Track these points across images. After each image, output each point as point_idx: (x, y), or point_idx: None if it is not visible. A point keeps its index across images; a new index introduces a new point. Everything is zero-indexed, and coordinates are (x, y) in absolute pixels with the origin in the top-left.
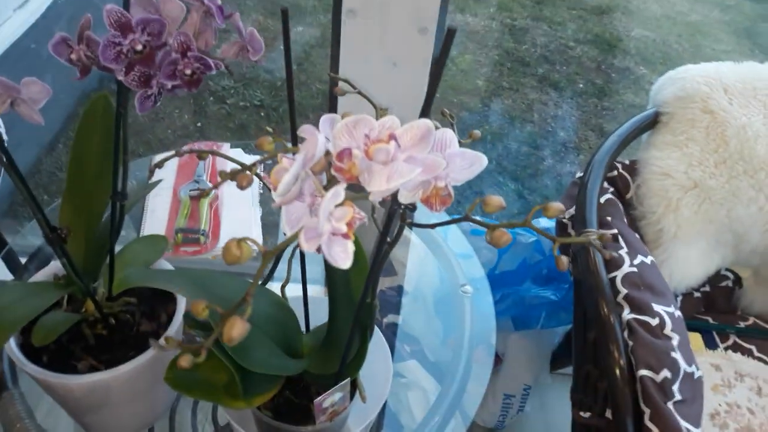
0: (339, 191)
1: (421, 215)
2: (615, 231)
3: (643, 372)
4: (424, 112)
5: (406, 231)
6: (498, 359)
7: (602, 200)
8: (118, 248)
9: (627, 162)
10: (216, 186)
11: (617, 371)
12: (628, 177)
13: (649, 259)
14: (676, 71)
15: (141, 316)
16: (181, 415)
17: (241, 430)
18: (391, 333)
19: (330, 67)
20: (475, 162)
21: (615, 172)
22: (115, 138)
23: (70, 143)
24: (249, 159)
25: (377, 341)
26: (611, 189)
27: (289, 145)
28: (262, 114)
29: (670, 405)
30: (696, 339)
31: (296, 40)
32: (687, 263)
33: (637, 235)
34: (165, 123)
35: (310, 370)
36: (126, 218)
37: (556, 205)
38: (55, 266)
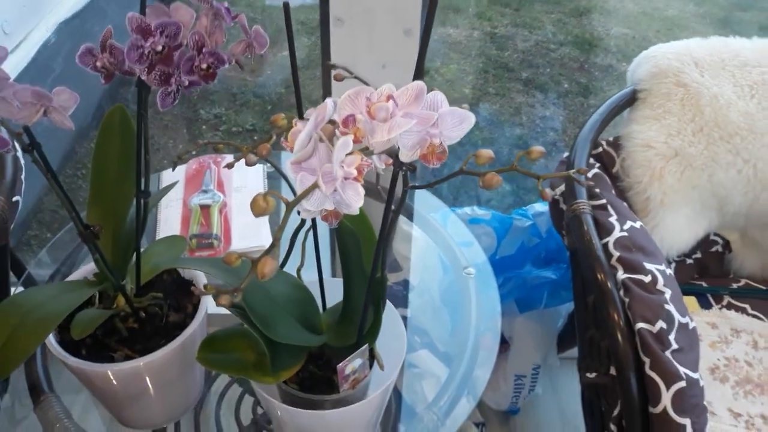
0: (348, 141)
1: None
2: (603, 200)
3: (640, 325)
4: (417, 75)
5: (407, 225)
6: (506, 343)
7: (590, 175)
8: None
9: (611, 139)
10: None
11: (617, 330)
12: (613, 152)
13: (638, 224)
14: (649, 50)
15: (168, 309)
16: (205, 416)
17: (272, 399)
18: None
19: (322, 75)
20: (465, 119)
21: (600, 149)
22: (137, 138)
23: (92, 152)
24: (254, 169)
25: (390, 313)
26: (597, 164)
27: None
28: (255, 138)
29: (668, 353)
30: (692, 302)
31: (283, 63)
32: (675, 229)
33: (625, 204)
34: (161, 154)
35: (330, 343)
36: None
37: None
38: (84, 271)
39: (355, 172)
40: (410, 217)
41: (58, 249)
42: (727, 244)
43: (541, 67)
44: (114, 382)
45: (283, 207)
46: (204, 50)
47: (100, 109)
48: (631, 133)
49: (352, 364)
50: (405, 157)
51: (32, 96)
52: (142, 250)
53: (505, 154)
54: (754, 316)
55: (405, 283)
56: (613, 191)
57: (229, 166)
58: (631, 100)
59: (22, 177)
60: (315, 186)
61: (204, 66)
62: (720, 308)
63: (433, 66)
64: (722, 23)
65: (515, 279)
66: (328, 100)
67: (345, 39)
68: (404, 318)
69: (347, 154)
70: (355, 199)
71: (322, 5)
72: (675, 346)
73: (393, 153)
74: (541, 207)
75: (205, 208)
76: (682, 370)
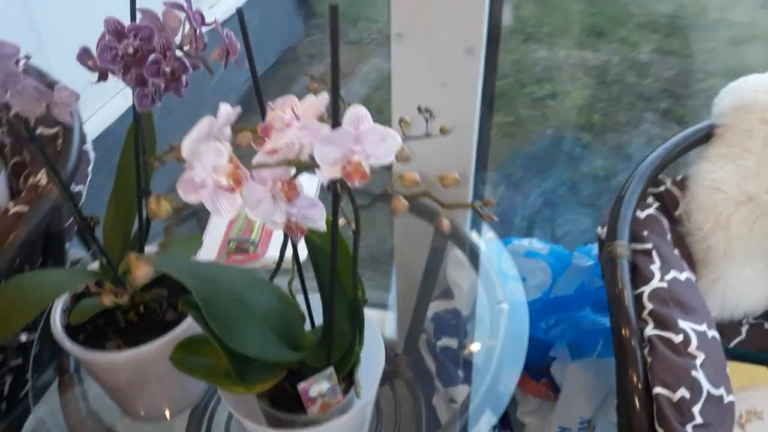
0: (218, 148)
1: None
2: (649, 245)
3: (658, 390)
4: (334, 96)
5: (460, 254)
6: (557, 390)
7: (642, 215)
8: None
9: (679, 178)
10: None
11: (633, 391)
12: (678, 193)
13: (683, 276)
14: (737, 81)
15: (167, 307)
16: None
17: (237, 414)
18: (445, 356)
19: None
20: (388, 137)
21: (662, 188)
22: (135, 138)
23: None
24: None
25: (370, 334)
26: (656, 204)
27: None
28: None
29: (688, 428)
30: (764, 373)
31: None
32: (742, 285)
33: (676, 253)
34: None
35: (308, 362)
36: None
37: (452, 175)
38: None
39: (224, 181)
40: (466, 244)
41: None
42: None
43: (683, 99)
44: (103, 369)
45: None
46: (168, 54)
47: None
48: (700, 173)
49: (319, 387)
50: (326, 173)
51: (35, 91)
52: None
53: None
54: None
55: (454, 312)
56: (669, 236)
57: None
58: (706, 135)
59: (89, 169)
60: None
61: (167, 69)
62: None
63: (563, 90)
64: None
65: (568, 321)
66: (224, 106)
67: (405, 55)
68: (448, 348)
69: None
70: (228, 210)
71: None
72: (698, 420)
73: (309, 167)
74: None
75: None
76: None
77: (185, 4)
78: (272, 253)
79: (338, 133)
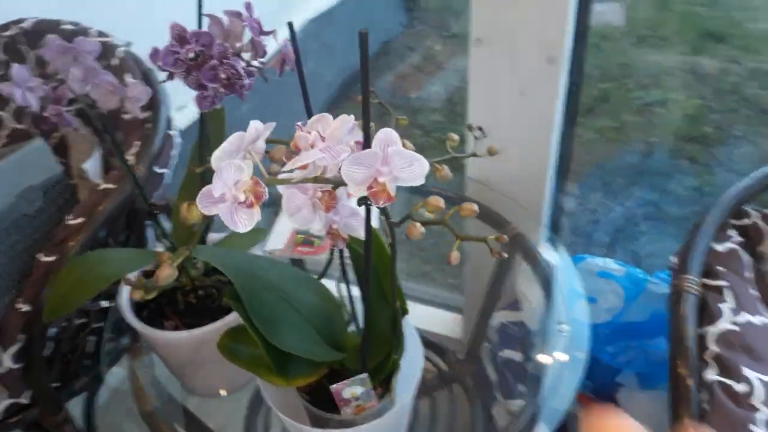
0: (239, 165)
1: None
2: (723, 282)
3: None
4: (364, 115)
5: (527, 268)
6: None
7: (722, 248)
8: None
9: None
10: None
11: None
12: (766, 228)
13: (758, 320)
14: None
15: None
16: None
17: (271, 404)
18: (507, 369)
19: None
20: (414, 162)
21: (747, 220)
22: (200, 134)
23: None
24: None
25: (410, 338)
26: (738, 239)
27: None
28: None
29: None
30: None
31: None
32: None
33: (755, 293)
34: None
35: (348, 364)
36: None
37: (470, 206)
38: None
39: (242, 197)
40: (534, 259)
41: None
42: None
43: None
44: (160, 347)
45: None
46: (225, 61)
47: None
48: None
49: (351, 389)
50: (353, 191)
51: (110, 86)
52: (224, 236)
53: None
54: None
55: (520, 324)
56: (749, 274)
57: None
58: None
59: (173, 153)
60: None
61: (223, 76)
62: None
63: (672, 98)
64: None
65: (638, 349)
66: (253, 123)
67: (484, 61)
68: (510, 361)
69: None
70: (245, 224)
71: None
72: None
73: (339, 184)
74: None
75: None
76: None
77: (245, 13)
78: None
79: (366, 154)
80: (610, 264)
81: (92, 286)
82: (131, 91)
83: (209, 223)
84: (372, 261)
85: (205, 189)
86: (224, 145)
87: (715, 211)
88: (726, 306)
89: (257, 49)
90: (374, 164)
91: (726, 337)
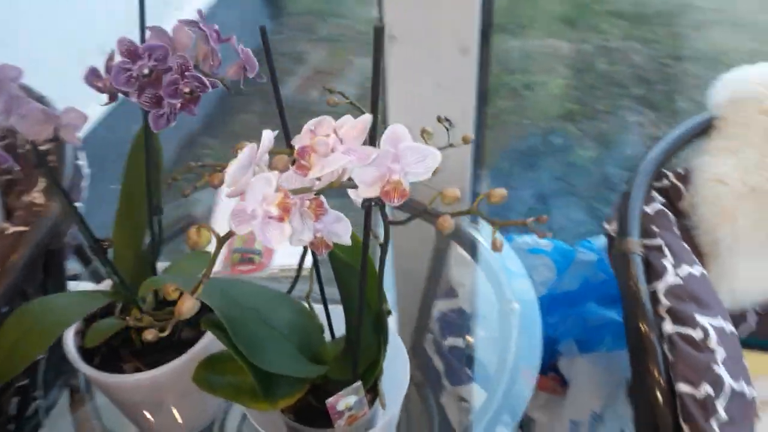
0: (269, 177)
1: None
2: (659, 241)
3: (682, 387)
4: (373, 109)
5: (464, 252)
6: (566, 384)
7: (650, 210)
8: (168, 264)
9: (680, 170)
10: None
11: (656, 388)
12: (681, 186)
13: (697, 270)
14: (732, 73)
15: (183, 324)
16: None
17: (262, 430)
18: (453, 356)
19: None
20: (428, 156)
21: (666, 182)
22: (146, 156)
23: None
24: None
25: (394, 346)
26: (661, 199)
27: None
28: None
29: (713, 424)
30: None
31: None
32: (750, 276)
33: (686, 246)
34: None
35: (331, 375)
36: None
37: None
38: (108, 284)
39: (274, 211)
40: (468, 242)
41: None
42: None
43: (655, 84)
44: (121, 391)
45: None
46: (187, 74)
47: (208, 117)
48: (702, 166)
49: (346, 401)
50: (364, 192)
51: (42, 114)
52: (169, 264)
53: (610, 176)
54: None
55: (460, 311)
56: (677, 230)
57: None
58: (706, 128)
59: (83, 184)
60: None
61: (186, 90)
62: None
63: (539, 80)
64: None
65: (575, 316)
66: (266, 132)
67: (399, 57)
68: (455, 348)
69: (295, 190)
70: (277, 239)
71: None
72: (723, 416)
73: (351, 188)
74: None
75: None
76: None
77: (201, 21)
78: (277, 262)
79: (360, 155)
80: (539, 240)
81: (45, 337)
82: (66, 117)
83: (159, 250)
84: (354, 265)
85: (237, 206)
86: (238, 160)
87: (640, 177)
88: (668, 262)
89: (214, 60)
90: (386, 163)
91: (674, 290)
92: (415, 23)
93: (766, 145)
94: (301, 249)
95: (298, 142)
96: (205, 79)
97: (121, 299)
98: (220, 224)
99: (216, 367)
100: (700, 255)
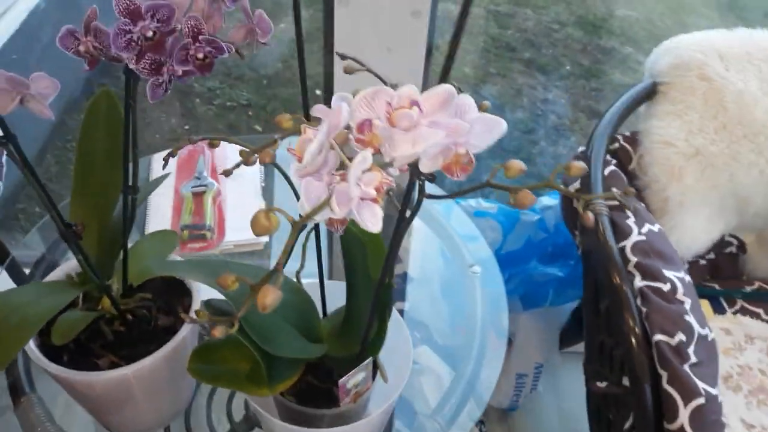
0: (367, 156)
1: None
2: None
3: (658, 337)
4: (443, 78)
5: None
6: (509, 340)
7: (606, 172)
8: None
9: (628, 134)
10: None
11: (633, 338)
12: (630, 148)
13: (656, 227)
14: (671, 41)
15: (157, 311)
16: (196, 414)
17: (267, 414)
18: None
19: (324, 54)
20: (495, 126)
21: (617, 144)
22: (125, 131)
23: (75, 141)
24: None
25: (395, 322)
26: (613, 161)
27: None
28: (250, 113)
29: (686, 368)
30: (704, 305)
31: (279, 37)
32: (693, 230)
33: (642, 205)
34: (153, 128)
35: (331, 353)
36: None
37: (578, 164)
38: (66, 267)
39: (373, 193)
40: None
41: (47, 229)
42: (741, 245)
43: (543, 48)
44: (98, 390)
45: (277, 192)
46: (200, 38)
47: (89, 81)
48: (651, 129)
49: (355, 378)
50: (426, 167)
51: (7, 83)
52: (129, 246)
53: (505, 137)
54: (766, 320)
55: (404, 276)
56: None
57: (226, 173)
58: (650, 93)
59: (2, 160)
60: (326, 203)
61: (200, 56)
62: (734, 313)
63: (433, 44)
64: (729, 6)
65: (521, 275)
66: (343, 104)
67: (349, 20)
68: (401, 311)
69: (365, 171)
70: (372, 221)
71: None
72: (694, 359)
73: (412, 163)
74: (550, 200)
75: (198, 196)
76: (701, 385)
77: None
78: (232, 236)
79: (451, 129)
80: (483, 203)
81: (13, 342)
82: (36, 86)
83: (131, 228)
84: (363, 238)
85: (339, 187)
86: (319, 137)
87: (598, 141)
88: (631, 221)
89: (216, 21)
90: (457, 133)
91: (640, 247)
92: None
93: (706, 109)
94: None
95: (353, 114)
96: (222, 43)
97: (93, 289)
98: (154, 211)
99: (210, 357)
100: (650, 212)
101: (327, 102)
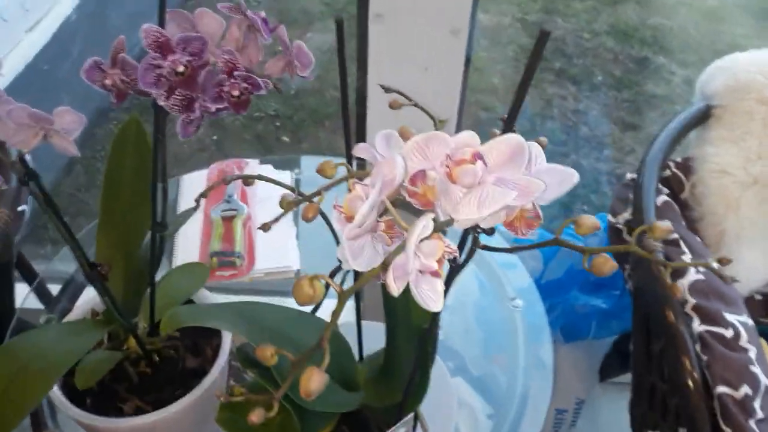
0: (428, 222)
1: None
2: (675, 235)
3: (721, 389)
4: (509, 126)
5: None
6: None
7: (658, 202)
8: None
9: (679, 160)
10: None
11: (691, 386)
12: (682, 176)
13: (715, 264)
14: (724, 60)
15: (185, 351)
16: None
17: None
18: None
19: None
20: (566, 179)
21: (668, 172)
22: (153, 166)
23: (111, 134)
24: (281, 175)
25: (437, 370)
26: (666, 190)
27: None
28: (278, 123)
29: (752, 423)
30: (763, 345)
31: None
32: (752, 266)
33: (698, 239)
34: (179, 138)
35: (368, 402)
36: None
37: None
38: (91, 299)
39: (434, 266)
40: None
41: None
42: None
43: (574, 58)
44: None
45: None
46: (236, 73)
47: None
48: (705, 156)
49: None
50: (487, 224)
51: (30, 118)
52: (157, 279)
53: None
54: None
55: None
56: (683, 222)
57: (265, 228)
58: (703, 116)
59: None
60: (376, 272)
61: (235, 93)
62: None
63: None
64: (763, 15)
65: (562, 305)
66: (398, 158)
67: (384, 37)
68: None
69: (424, 239)
70: (432, 299)
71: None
72: (760, 415)
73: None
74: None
75: (228, 221)
76: None
77: (242, 4)
78: (262, 264)
79: (522, 184)
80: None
81: (39, 385)
82: (60, 121)
83: (159, 264)
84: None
85: (397, 260)
86: (372, 197)
87: (648, 169)
88: (687, 257)
89: (253, 54)
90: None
91: (698, 287)
92: (403, 0)
93: (766, 134)
94: (289, 250)
95: (406, 165)
96: (259, 80)
97: (119, 328)
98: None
99: (240, 407)
100: (705, 246)
101: (359, 128)
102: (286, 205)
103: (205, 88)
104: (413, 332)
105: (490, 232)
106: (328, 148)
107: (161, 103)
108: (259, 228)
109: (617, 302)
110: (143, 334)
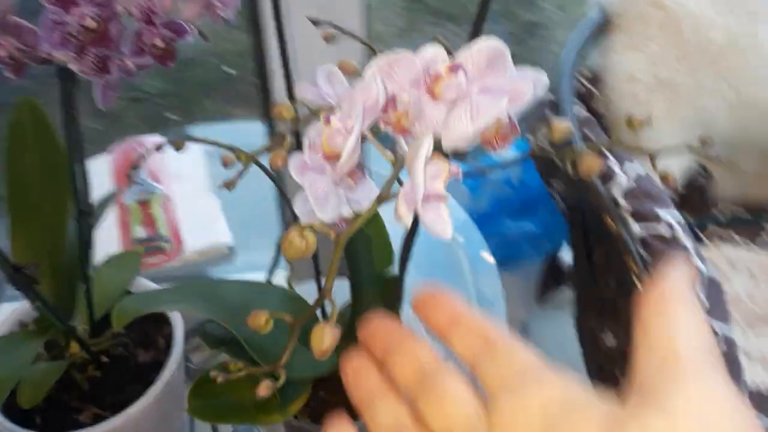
0: (429, 142)
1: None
2: (604, 150)
3: None
4: (477, 30)
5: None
6: None
7: (580, 116)
8: None
9: (587, 73)
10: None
11: (639, 286)
12: (592, 88)
13: (636, 166)
14: None
15: (135, 346)
16: None
17: None
18: None
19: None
20: (537, 82)
21: (580, 87)
22: (68, 147)
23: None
24: (191, 150)
25: (404, 315)
26: (579, 103)
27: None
28: (162, 101)
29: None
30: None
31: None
32: (665, 168)
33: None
34: (100, 107)
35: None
36: None
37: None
38: (16, 312)
39: (442, 189)
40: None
41: None
42: (709, 175)
43: None
44: None
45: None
46: (156, 20)
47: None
48: (612, 64)
49: None
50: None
51: None
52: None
53: None
54: (742, 244)
55: None
56: (600, 130)
57: (179, 146)
58: (603, 26)
59: None
60: (375, 209)
61: (158, 43)
62: (712, 242)
63: None
64: None
65: (496, 237)
66: (377, 79)
67: None
68: None
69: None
70: (441, 225)
71: None
72: (706, 304)
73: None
74: (511, 152)
75: (144, 205)
76: (715, 324)
77: None
78: (192, 244)
79: (511, 89)
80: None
81: None
82: None
83: (89, 259)
84: (366, 231)
85: (405, 187)
86: (356, 128)
87: (564, 83)
88: (611, 162)
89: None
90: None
91: (631, 193)
92: None
93: (665, 39)
94: (217, 223)
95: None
96: (183, 24)
97: (59, 335)
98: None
99: (208, 392)
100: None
101: (287, 81)
102: (244, 159)
103: (122, 41)
104: (378, 281)
105: (462, 156)
106: (221, 118)
107: (73, 67)
108: (223, 186)
109: (549, 224)
110: (85, 336)
